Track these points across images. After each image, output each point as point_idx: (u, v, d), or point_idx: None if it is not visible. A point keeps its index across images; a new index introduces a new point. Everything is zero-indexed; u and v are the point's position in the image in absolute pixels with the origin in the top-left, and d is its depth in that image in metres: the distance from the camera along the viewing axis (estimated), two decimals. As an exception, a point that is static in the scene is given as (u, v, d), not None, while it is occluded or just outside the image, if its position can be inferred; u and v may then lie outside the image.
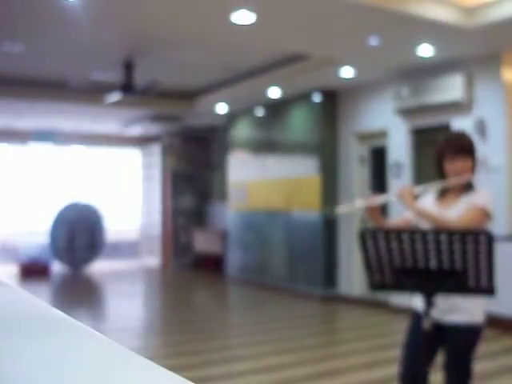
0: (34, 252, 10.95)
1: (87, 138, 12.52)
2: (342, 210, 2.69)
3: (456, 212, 2.64)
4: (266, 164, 9.23)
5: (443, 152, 2.70)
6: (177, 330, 6.42)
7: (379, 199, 2.74)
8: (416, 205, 2.67)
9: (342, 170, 8.01)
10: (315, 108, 8.15)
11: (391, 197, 2.83)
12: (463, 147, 2.67)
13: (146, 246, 13.09)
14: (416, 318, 2.67)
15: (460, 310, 2.57)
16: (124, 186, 13.57)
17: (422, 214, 2.63)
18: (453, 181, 2.66)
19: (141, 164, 13.46)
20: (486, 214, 2.61)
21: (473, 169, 2.69)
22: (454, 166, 2.66)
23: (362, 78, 7.31)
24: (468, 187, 2.70)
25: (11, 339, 0.72)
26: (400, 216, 2.94)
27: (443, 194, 2.76)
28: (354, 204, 2.84)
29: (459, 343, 2.60)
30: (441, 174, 2.75)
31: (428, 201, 2.78)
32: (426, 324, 2.35)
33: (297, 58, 6.66)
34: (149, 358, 0.65)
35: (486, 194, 2.68)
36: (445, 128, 6.38)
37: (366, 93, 7.65)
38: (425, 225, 2.67)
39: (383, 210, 2.88)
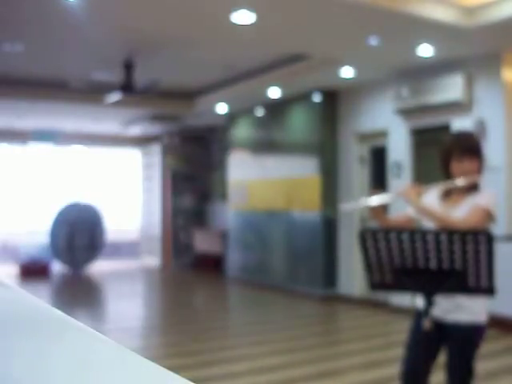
0: (34, 252, 10.94)
1: (87, 138, 12.51)
2: (345, 208, 2.68)
3: (460, 212, 2.64)
4: (266, 164, 9.23)
5: (450, 152, 2.70)
6: (177, 330, 6.42)
7: (383, 199, 2.73)
8: (421, 203, 2.67)
9: (342, 170, 8.01)
10: (315, 108, 8.15)
11: (395, 194, 2.81)
12: (471, 148, 2.68)
13: (146, 246, 13.09)
14: (418, 317, 2.66)
15: (463, 309, 2.57)
16: (124, 186, 13.57)
17: (426, 213, 2.63)
18: (459, 182, 2.66)
19: (141, 164, 13.46)
20: (488, 215, 2.61)
21: (479, 170, 2.70)
22: (461, 167, 2.66)
23: (362, 78, 7.31)
24: (473, 188, 2.70)
25: (11, 339, 0.72)
26: (402, 212, 2.93)
27: (447, 193, 2.76)
28: (358, 203, 2.83)
29: (462, 342, 2.59)
30: (446, 174, 2.75)
31: (431, 200, 2.76)
32: (427, 323, 2.34)
33: (297, 58, 6.65)
34: (149, 358, 0.65)
35: (489, 195, 2.68)
36: (445, 128, 6.38)
37: (366, 93, 7.65)
38: (427, 222, 2.68)
39: (385, 206, 2.85)
